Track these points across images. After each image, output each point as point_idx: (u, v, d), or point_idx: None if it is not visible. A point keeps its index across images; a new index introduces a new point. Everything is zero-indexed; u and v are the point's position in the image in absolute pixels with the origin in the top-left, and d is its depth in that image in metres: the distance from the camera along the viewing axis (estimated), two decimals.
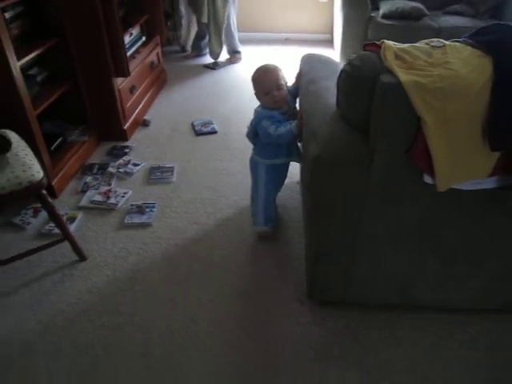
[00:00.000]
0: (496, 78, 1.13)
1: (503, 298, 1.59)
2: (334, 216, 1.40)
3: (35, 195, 1.65)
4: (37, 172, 1.66)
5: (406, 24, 3.48)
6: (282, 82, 1.73)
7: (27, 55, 2.06)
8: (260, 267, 1.84)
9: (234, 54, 4.06)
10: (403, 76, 1.17)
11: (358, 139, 1.30)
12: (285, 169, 1.93)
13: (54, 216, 1.72)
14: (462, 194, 1.30)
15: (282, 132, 1.69)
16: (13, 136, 1.81)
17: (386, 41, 1.30)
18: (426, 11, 3.59)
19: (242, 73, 3.81)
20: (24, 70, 2.18)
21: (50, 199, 1.70)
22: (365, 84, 1.24)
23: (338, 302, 1.65)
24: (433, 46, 1.26)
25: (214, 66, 3.88)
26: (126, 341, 1.54)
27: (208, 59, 4.05)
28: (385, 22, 3.53)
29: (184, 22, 4.13)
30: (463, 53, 1.22)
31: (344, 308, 1.64)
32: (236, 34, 3.95)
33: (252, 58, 4.07)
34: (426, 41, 1.31)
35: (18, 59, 1.97)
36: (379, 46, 1.30)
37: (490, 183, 1.28)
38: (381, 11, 3.61)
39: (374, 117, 1.24)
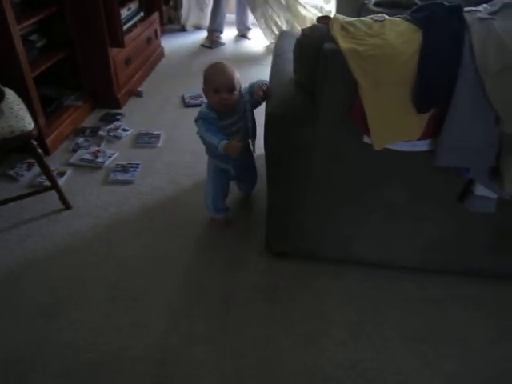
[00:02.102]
0: (423, 49, 1.28)
1: (443, 259, 1.75)
2: (284, 170, 1.57)
3: (25, 144, 1.84)
4: (28, 123, 1.84)
5: (397, 12, 3.55)
6: (236, 87, 1.64)
7: (27, 20, 2.24)
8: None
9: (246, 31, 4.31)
10: (343, 44, 1.33)
11: (306, 100, 1.46)
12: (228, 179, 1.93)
13: (41, 164, 1.91)
14: (400, 155, 1.45)
15: (208, 140, 1.65)
16: (10, 93, 1.99)
17: (335, 14, 1.45)
18: (416, 0, 3.70)
19: (236, 52, 3.97)
20: (24, 36, 2.36)
21: (39, 150, 1.89)
22: (312, 51, 1.39)
23: (292, 254, 1.82)
24: (375, 20, 1.41)
25: (210, 45, 4.04)
26: (99, 277, 1.74)
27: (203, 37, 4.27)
28: (376, 9, 3.63)
29: (185, 1, 4.28)
30: (400, 26, 1.37)
31: (297, 260, 1.82)
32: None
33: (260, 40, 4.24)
34: (372, 16, 1.46)
35: (18, 24, 2.15)
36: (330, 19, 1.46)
37: (423, 146, 1.43)
38: None
39: (318, 79, 1.40)
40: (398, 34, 1.34)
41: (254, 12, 3.93)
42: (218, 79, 1.63)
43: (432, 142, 1.41)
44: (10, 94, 1.97)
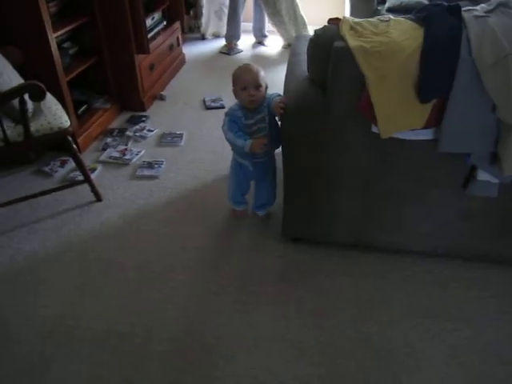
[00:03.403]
0: (424, 44, 1.41)
1: (451, 244, 1.84)
2: (298, 160, 1.70)
3: (62, 139, 2.01)
4: (65, 121, 2.03)
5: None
6: (262, 84, 1.77)
7: (62, 29, 2.44)
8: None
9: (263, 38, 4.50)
10: (351, 42, 1.46)
11: (318, 95, 1.60)
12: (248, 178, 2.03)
13: (76, 159, 2.09)
14: (406, 144, 1.56)
15: (233, 141, 1.80)
16: (48, 96, 2.18)
17: (345, 16, 1.59)
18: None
19: (253, 58, 4.15)
20: (59, 43, 2.55)
21: (73, 145, 2.07)
22: (324, 49, 1.53)
23: (307, 240, 1.95)
24: (381, 20, 1.55)
25: (228, 52, 4.22)
26: (127, 258, 1.90)
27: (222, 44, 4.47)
28: (389, 15, 3.78)
29: (205, 11, 4.48)
30: (403, 25, 1.51)
31: (312, 245, 1.94)
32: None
33: (275, 47, 4.43)
34: (379, 17, 1.60)
35: (54, 32, 2.34)
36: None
37: (427, 134, 1.55)
38: (386, 5, 3.86)
39: (329, 75, 1.53)
40: (401, 31, 1.47)
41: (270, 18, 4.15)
42: (244, 77, 1.76)
43: (435, 130, 1.53)
44: (48, 96, 2.16)
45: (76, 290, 1.75)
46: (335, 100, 1.55)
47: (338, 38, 1.52)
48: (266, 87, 1.82)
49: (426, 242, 1.85)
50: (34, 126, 1.92)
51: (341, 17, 1.62)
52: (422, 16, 1.50)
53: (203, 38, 4.64)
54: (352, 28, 1.53)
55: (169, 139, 2.75)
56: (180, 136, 2.79)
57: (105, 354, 1.52)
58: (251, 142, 1.74)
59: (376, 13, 3.83)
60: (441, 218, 1.76)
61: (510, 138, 1.38)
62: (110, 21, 2.77)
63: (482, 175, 1.57)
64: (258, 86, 1.75)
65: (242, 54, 4.27)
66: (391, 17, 1.56)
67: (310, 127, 1.63)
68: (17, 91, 1.77)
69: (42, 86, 1.80)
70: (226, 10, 4.48)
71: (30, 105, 1.91)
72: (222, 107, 3.17)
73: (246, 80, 1.75)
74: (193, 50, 4.31)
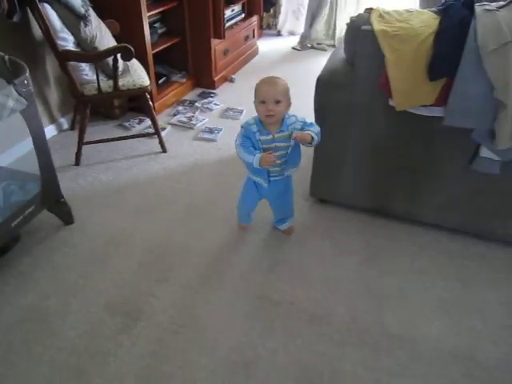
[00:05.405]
0: (438, 30, 1.66)
1: (458, 219, 2.03)
2: (329, 126, 2.00)
3: (141, 95, 2.49)
4: (146, 81, 2.51)
5: None
6: (282, 99, 1.64)
7: (154, 10, 2.94)
8: None
9: None
10: (376, 26, 1.75)
11: (348, 71, 1.90)
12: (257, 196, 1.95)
13: (149, 113, 2.56)
14: (421, 118, 1.80)
15: (242, 156, 1.69)
16: (135, 61, 2.67)
17: (377, 6, 1.88)
18: None
19: (318, 52, 4.50)
20: (151, 23, 3.06)
21: (149, 101, 2.53)
22: (355, 32, 1.83)
23: (332, 202, 2.24)
24: (407, 11, 1.82)
25: (300, 48, 4.57)
26: (180, 196, 2.33)
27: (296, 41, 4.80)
28: None
29: (283, 9, 4.87)
30: (424, 15, 1.77)
31: (336, 207, 2.23)
32: None
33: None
34: (407, 8, 1.87)
35: (148, 12, 2.84)
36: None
37: (439, 112, 1.79)
38: None
39: (356, 54, 1.83)
40: (420, 20, 1.73)
41: None
42: (264, 90, 1.66)
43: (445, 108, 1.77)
44: (135, 61, 2.65)
45: (137, 213, 2.20)
46: (360, 75, 1.84)
47: (367, 23, 1.81)
48: (289, 104, 1.72)
49: (437, 214, 2.05)
50: (121, 81, 2.40)
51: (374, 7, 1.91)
52: (441, 8, 1.75)
53: (279, 34, 5.03)
54: (380, 16, 1.82)
55: (230, 113, 3.16)
56: (240, 112, 3.19)
57: (151, 257, 1.94)
58: (260, 157, 1.64)
59: None
60: (451, 192, 1.96)
61: (502, 114, 1.60)
62: (194, 7, 3.24)
63: (485, 152, 1.77)
64: (278, 101, 1.64)
65: (311, 50, 4.60)
66: (418, 9, 1.83)
67: (338, 99, 1.92)
68: (112, 50, 2.26)
69: (131, 48, 2.26)
70: (304, 11, 4.83)
71: (120, 64, 2.39)
72: None
73: (265, 93, 1.65)
74: (267, 44, 4.72)
